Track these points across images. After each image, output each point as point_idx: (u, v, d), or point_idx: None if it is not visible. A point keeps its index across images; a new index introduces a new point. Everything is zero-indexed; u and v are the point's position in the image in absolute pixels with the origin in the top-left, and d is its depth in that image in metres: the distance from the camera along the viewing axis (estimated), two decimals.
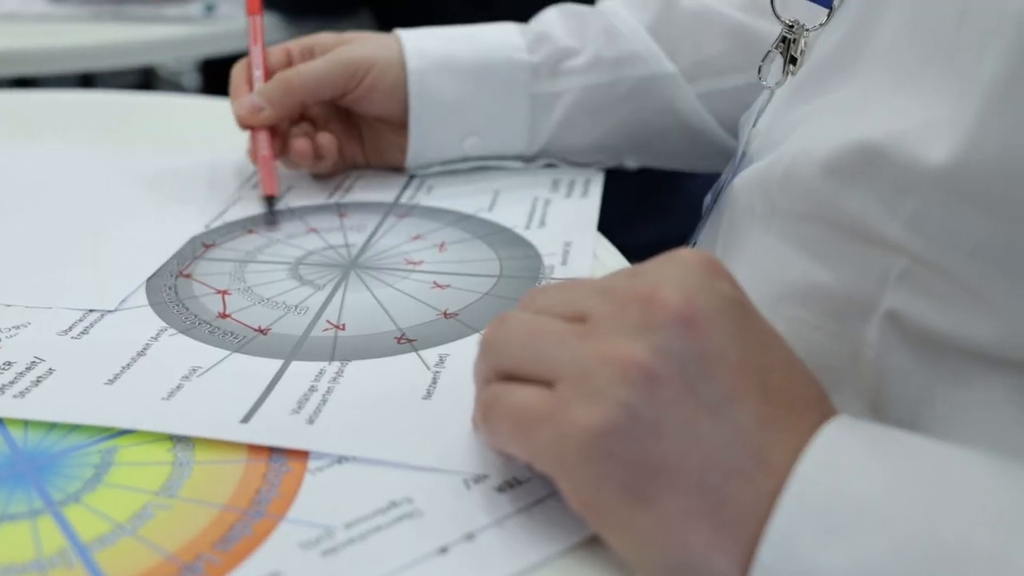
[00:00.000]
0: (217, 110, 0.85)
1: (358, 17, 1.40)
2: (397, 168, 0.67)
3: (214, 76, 1.71)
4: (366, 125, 0.68)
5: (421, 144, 0.65)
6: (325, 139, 0.64)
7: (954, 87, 0.33)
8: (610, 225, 0.62)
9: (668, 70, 0.65)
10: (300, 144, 0.64)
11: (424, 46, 0.65)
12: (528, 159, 0.68)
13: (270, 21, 1.30)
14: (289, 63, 0.65)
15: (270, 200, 0.61)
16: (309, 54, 0.65)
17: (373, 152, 0.68)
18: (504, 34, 0.66)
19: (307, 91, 0.63)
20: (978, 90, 0.31)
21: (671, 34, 0.66)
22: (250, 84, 0.64)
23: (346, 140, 0.67)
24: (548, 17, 0.68)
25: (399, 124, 0.65)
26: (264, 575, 0.31)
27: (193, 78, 2.01)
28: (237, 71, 0.66)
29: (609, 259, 0.55)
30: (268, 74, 0.64)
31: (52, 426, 0.39)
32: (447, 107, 0.65)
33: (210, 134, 0.77)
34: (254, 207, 0.61)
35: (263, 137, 0.63)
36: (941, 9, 0.34)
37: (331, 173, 0.67)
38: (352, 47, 0.65)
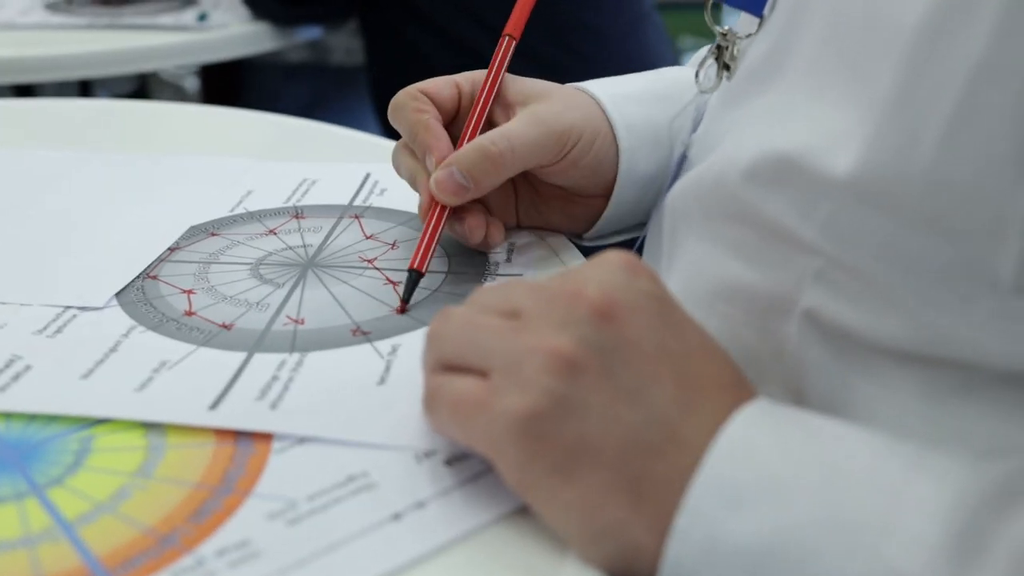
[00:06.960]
0: (214, 116, 0.87)
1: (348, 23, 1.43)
2: (555, 231, 0.60)
3: (213, 79, 1.75)
4: (529, 189, 0.59)
5: (612, 219, 0.59)
6: (495, 232, 0.55)
7: (859, 98, 0.34)
8: None
9: None
10: (475, 221, 0.54)
11: (631, 119, 0.57)
12: None
13: (262, 29, 1.33)
14: (458, 99, 0.57)
15: (415, 275, 0.51)
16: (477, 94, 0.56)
17: (529, 216, 0.60)
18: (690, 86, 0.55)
19: (517, 167, 0.53)
20: (877, 101, 0.33)
21: None
22: (462, 131, 0.55)
23: (499, 201, 0.58)
24: None
25: (579, 196, 0.58)
26: (235, 543, 0.34)
27: (191, 80, 2.04)
28: (423, 120, 0.54)
29: (573, 263, 0.58)
30: (477, 129, 0.55)
31: (32, 418, 0.42)
32: (649, 180, 0.58)
33: (208, 140, 0.79)
34: (221, 210, 0.64)
35: (442, 211, 0.53)
36: (850, 22, 0.36)
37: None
38: (556, 111, 0.55)
